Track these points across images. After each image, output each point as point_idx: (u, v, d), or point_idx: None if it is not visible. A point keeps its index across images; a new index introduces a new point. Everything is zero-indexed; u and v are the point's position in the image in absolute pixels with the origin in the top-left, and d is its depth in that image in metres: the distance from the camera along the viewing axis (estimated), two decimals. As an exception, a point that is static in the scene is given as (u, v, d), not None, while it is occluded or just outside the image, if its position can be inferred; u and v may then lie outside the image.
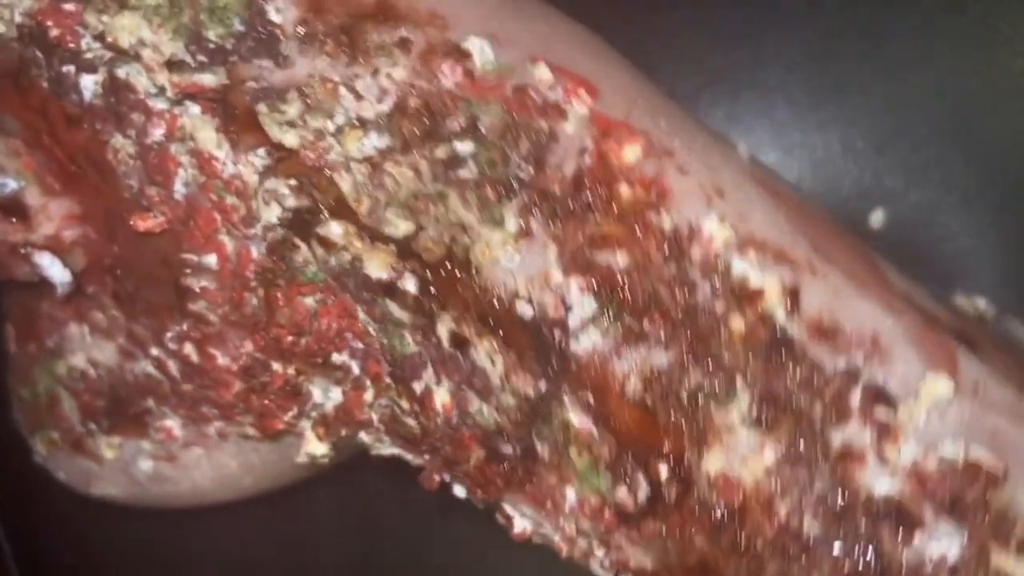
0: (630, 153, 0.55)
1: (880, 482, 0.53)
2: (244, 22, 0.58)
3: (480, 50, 0.57)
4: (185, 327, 0.62)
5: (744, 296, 0.54)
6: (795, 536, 0.54)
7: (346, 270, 0.58)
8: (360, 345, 0.59)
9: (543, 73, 0.56)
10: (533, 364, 0.56)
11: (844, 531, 0.54)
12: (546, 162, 0.55)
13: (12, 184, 0.65)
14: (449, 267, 0.56)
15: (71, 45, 0.60)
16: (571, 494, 0.58)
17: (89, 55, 0.60)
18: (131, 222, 0.60)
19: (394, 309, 0.57)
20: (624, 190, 0.55)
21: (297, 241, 0.58)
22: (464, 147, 0.56)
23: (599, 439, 0.56)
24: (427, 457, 0.61)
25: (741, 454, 0.54)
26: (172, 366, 0.64)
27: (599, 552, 0.59)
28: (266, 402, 0.63)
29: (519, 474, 0.58)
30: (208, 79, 0.59)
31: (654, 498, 0.55)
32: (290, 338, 0.60)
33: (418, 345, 0.58)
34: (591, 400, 0.55)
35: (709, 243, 0.54)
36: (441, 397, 0.58)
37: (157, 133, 0.60)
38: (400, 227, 0.57)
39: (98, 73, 0.60)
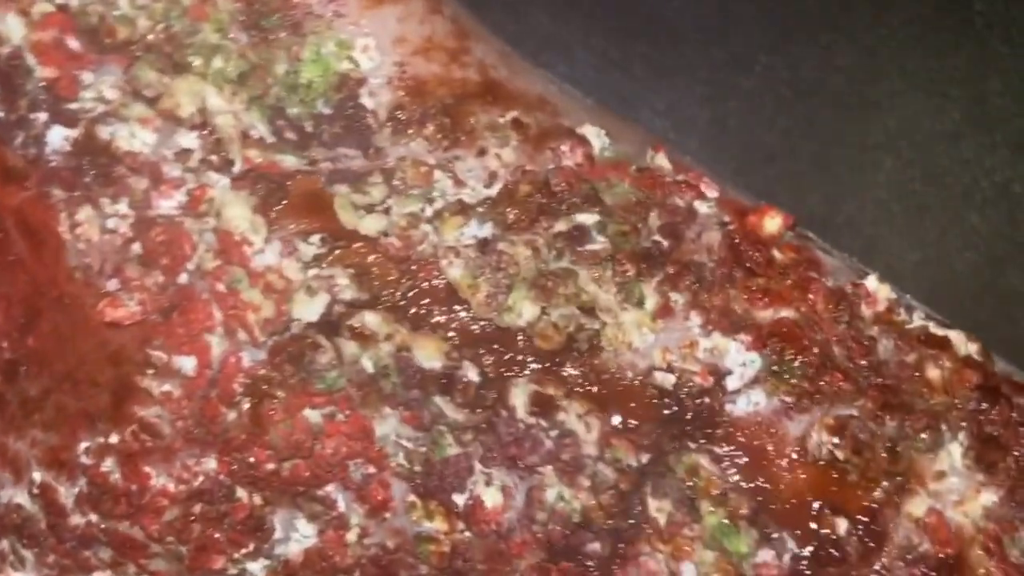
0: (771, 224, 0.58)
1: None
2: (330, 105, 0.58)
3: (597, 135, 0.59)
4: (114, 438, 0.57)
5: (934, 344, 0.57)
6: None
7: (384, 370, 0.55)
8: (362, 473, 0.56)
9: (663, 161, 0.60)
10: (649, 430, 0.55)
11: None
12: (684, 235, 0.57)
13: None
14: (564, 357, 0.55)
15: (64, 93, 0.58)
16: (689, 572, 0.55)
17: (75, 106, 0.58)
18: (98, 308, 0.56)
19: (447, 408, 0.55)
20: (778, 254, 0.57)
21: (322, 340, 0.55)
22: (587, 218, 0.56)
23: (738, 493, 0.54)
24: None
25: (953, 499, 0.55)
26: (63, 493, 0.58)
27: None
28: (215, 535, 0.57)
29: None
30: (290, 161, 0.57)
31: (822, 559, 0.54)
32: (271, 465, 0.56)
33: (462, 445, 0.55)
34: (743, 460, 0.55)
35: (875, 300, 0.57)
36: (492, 499, 0.55)
37: (168, 204, 0.57)
38: (525, 313, 0.55)
39: (76, 128, 0.58)
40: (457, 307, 0.56)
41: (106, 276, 0.57)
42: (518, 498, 0.55)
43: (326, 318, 0.56)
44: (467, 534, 0.56)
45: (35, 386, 0.59)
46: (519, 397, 0.55)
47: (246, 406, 0.56)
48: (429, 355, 0.55)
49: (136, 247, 0.57)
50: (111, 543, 0.59)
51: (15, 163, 0.58)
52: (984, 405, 0.55)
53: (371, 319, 0.55)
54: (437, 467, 0.55)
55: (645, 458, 0.55)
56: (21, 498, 0.59)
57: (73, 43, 0.58)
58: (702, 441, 0.55)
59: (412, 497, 0.56)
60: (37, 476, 0.59)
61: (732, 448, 0.55)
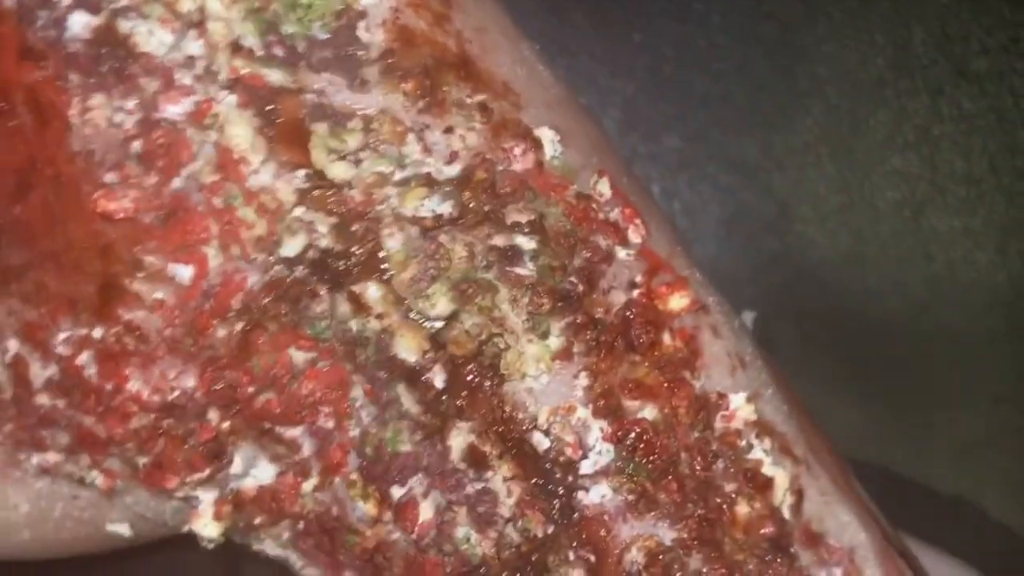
0: (676, 301, 0.57)
1: None
2: (327, 30, 0.57)
3: (550, 141, 0.59)
4: (97, 332, 0.56)
5: (756, 483, 0.56)
6: None
7: (364, 340, 0.56)
8: (331, 425, 0.56)
9: (605, 188, 0.58)
10: (542, 501, 0.55)
11: None
12: (597, 283, 0.57)
13: None
14: (474, 368, 0.55)
15: None
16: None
17: None
18: (93, 197, 0.55)
19: (405, 399, 0.56)
20: (667, 339, 0.57)
21: (321, 290, 0.56)
22: (526, 243, 0.56)
23: None
24: (348, 574, 0.59)
25: None
26: (35, 371, 0.57)
27: None
28: (174, 452, 0.56)
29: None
30: (276, 77, 0.56)
31: None
32: (251, 388, 0.56)
33: (415, 446, 0.56)
34: (591, 559, 0.55)
35: (732, 417, 0.57)
36: (425, 512, 0.55)
37: (175, 110, 0.56)
38: (438, 306, 0.55)
39: (99, 16, 0.56)
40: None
41: (106, 168, 0.56)
42: (443, 519, 0.55)
43: (315, 263, 0.55)
44: (393, 534, 0.55)
45: (16, 256, 0.57)
46: (456, 443, 0.54)
47: (237, 327, 0.55)
48: (408, 347, 0.55)
49: (137, 145, 0.55)
50: (72, 432, 0.57)
51: (34, 43, 0.56)
52: (770, 558, 0.55)
53: (374, 292, 0.55)
54: (386, 457, 0.55)
55: (549, 529, 0.54)
56: (-12, 362, 0.60)
57: None
58: (565, 535, 0.54)
59: (355, 475, 0.56)
60: (12, 345, 0.57)
61: (584, 549, 0.54)
